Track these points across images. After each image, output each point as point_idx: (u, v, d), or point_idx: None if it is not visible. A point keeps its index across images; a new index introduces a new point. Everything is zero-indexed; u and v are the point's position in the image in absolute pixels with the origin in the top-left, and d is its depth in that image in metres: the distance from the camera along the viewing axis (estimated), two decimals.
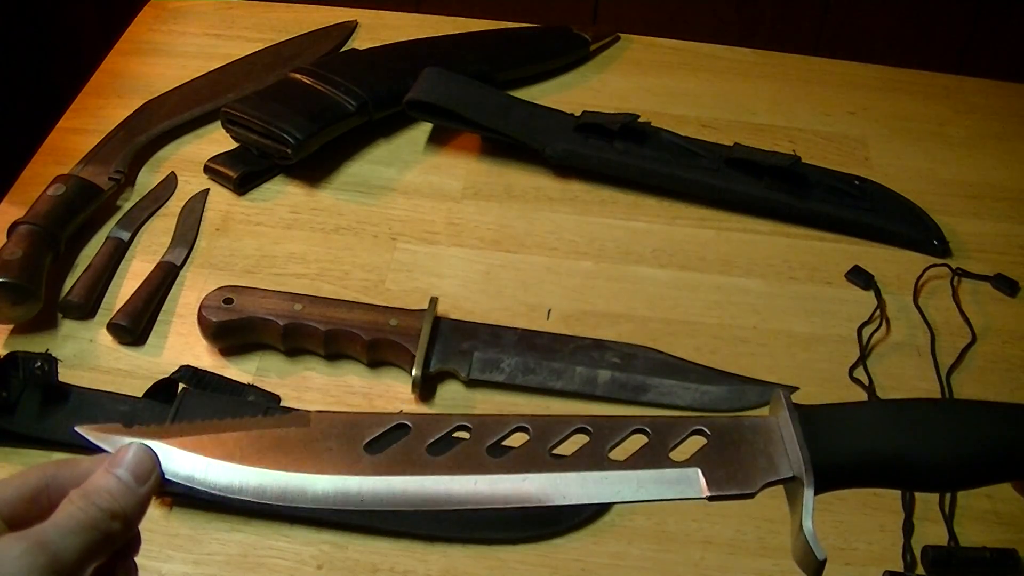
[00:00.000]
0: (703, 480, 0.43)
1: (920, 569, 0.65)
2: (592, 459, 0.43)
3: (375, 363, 0.75)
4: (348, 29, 1.05)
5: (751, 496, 0.43)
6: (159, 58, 1.01)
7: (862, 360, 0.77)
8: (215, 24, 1.05)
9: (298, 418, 0.44)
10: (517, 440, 0.44)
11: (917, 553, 0.66)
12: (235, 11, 1.07)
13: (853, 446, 0.44)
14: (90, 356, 0.74)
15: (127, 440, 0.42)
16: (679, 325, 0.79)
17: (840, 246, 0.87)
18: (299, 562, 0.64)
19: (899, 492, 0.68)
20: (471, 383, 0.74)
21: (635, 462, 0.43)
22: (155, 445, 0.42)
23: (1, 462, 0.67)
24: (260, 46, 1.01)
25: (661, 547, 0.66)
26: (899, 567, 0.65)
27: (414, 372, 0.72)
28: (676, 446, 0.44)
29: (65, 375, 0.70)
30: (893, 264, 0.85)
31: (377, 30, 1.05)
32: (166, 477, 0.42)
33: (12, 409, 0.67)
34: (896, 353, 0.78)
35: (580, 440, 0.44)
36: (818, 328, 0.80)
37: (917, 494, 0.68)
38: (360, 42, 1.04)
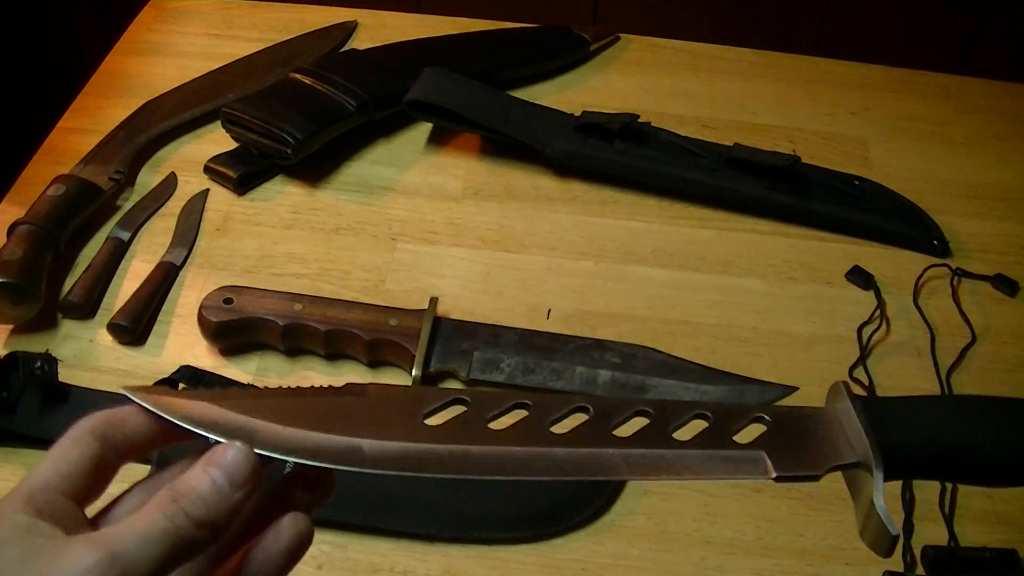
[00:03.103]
0: (769, 461, 0.43)
1: (920, 569, 0.65)
2: (656, 439, 0.43)
3: (375, 363, 0.75)
4: (348, 29, 1.05)
5: (817, 478, 0.43)
6: (159, 58, 1.01)
7: (862, 360, 0.77)
8: (215, 24, 1.05)
9: (354, 389, 0.44)
10: (576, 420, 0.44)
11: (917, 553, 0.66)
12: (235, 11, 1.07)
13: (916, 436, 0.44)
14: (90, 356, 0.74)
15: (177, 402, 0.40)
16: (679, 325, 0.79)
17: (840, 246, 0.87)
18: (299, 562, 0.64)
19: (899, 492, 0.68)
20: (471, 383, 0.74)
21: (700, 443, 0.43)
22: (207, 407, 0.40)
23: (1, 462, 0.67)
24: (260, 46, 1.01)
25: (661, 547, 0.66)
26: (899, 567, 0.65)
27: (414, 372, 0.72)
28: (738, 431, 0.44)
29: (65, 375, 0.70)
30: (893, 264, 0.85)
31: (377, 30, 1.05)
32: (218, 439, 0.39)
33: (12, 409, 0.67)
34: (896, 353, 0.78)
35: (641, 422, 0.44)
36: (818, 328, 0.80)
37: (917, 494, 0.68)
38: (360, 42, 1.04)
